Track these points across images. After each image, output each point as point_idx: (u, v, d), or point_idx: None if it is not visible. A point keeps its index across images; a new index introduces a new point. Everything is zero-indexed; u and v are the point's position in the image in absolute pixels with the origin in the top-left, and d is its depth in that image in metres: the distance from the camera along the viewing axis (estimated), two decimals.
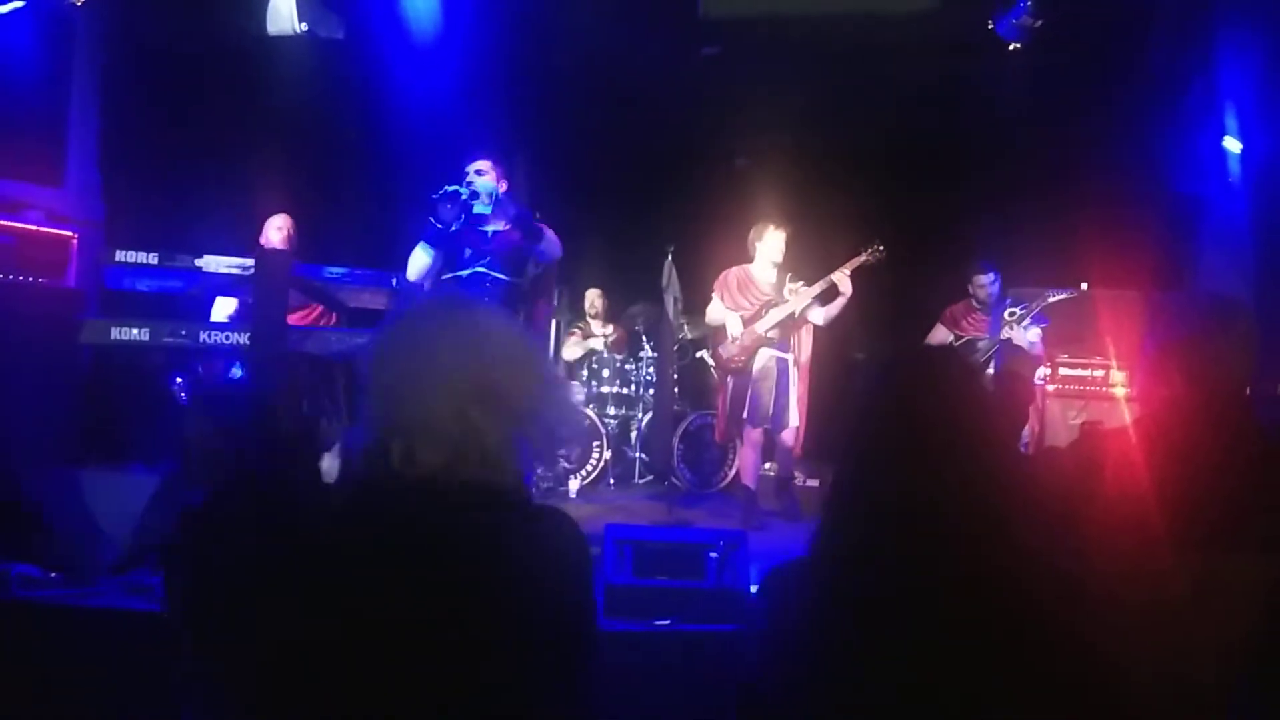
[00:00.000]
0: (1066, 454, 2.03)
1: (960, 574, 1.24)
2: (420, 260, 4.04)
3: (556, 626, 1.31)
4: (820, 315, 5.41)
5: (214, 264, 3.76)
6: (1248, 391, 1.96)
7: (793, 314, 5.35)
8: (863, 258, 5.38)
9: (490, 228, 4.15)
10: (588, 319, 7.15)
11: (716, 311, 5.50)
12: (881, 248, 5.39)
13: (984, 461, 1.28)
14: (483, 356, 1.34)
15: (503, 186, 4.17)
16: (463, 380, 1.31)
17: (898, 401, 1.33)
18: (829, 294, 5.37)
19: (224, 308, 4.68)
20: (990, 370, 5.54)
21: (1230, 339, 1.86)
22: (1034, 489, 1.94)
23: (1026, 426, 5.21)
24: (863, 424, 1.35)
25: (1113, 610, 1.76)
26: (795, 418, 5.39)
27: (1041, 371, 5.52)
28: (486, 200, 4.04)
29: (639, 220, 6.53)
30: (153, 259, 3.73)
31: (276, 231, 4.77)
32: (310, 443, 1.94)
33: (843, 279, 5.28)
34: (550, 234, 4.19)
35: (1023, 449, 5.17)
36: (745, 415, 5.33)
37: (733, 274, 5.47)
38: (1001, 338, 5.52)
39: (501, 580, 1.28)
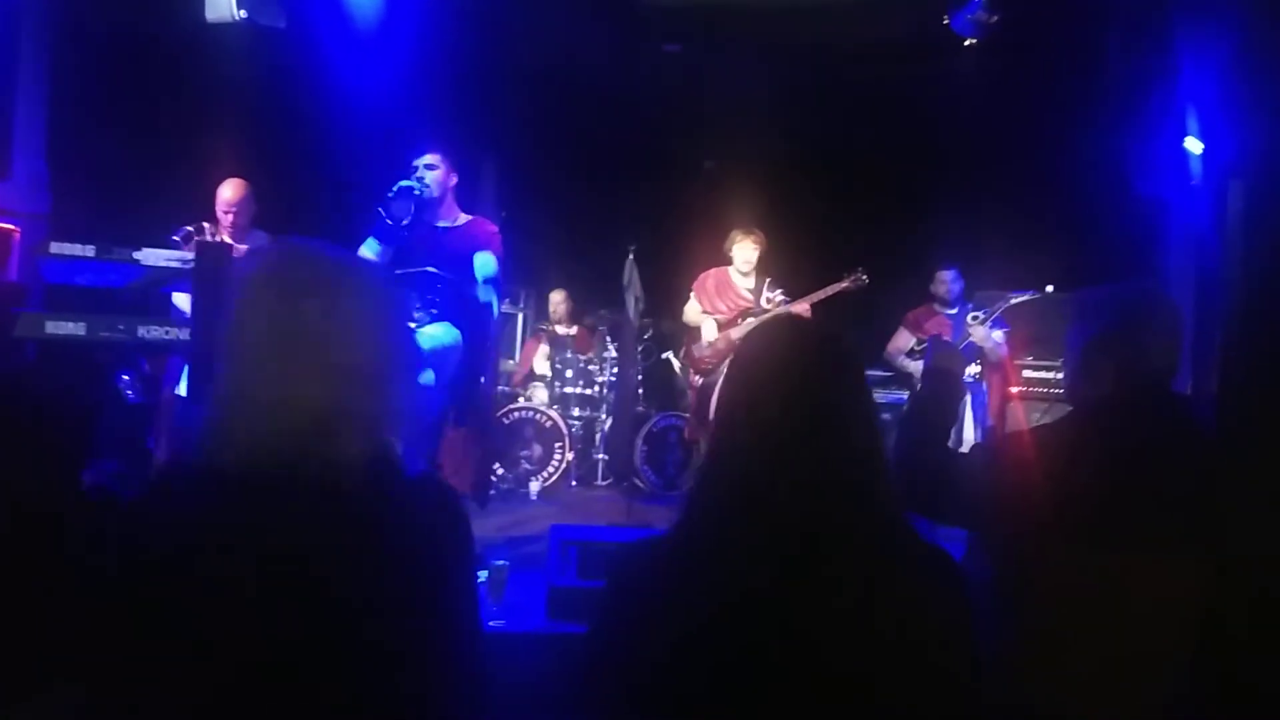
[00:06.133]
0: (1005, 449, 1.98)
1: (825, 558, 1.19)
2: (368, 255, 3.92)
3: (429, 601, 1.25)
4: None
5: (153, 257, 3.65)
6: (1185, 383, 1.92)
7: None
8: (844, 284, 5.40)
9: (441, 223, 4.07)
10: (550, 322, 7.11)
11: (693, 313, 5.50)
12: (864, 276, 5.39)
13: (861, 448, 1.24)
14: (345, 318, 1.27)
15: (453, 180, 4.10)
16: (324, 346, 1.25)
17: (772, 375, 1.29)
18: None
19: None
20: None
21: (1157, 330, 1.83)
22: (968, 482, 1.90)
23: (977, 427, 5.21)
24: (737, 395, 1.31)
25: (1046, 603, 1.73)
26: None
27: (973, 369, 5.51)
28: (436, 192, 3.98)
29: (601, 220, 6.49)
30: (89, 251, 3.61)
31: (225, 214, 4.58)
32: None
33: (805, 310, 5.28)
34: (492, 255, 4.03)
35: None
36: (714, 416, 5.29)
37: (711, 276, 5.46)
38: (963, 341, 5.50)
39: (369, 555, 1.22)
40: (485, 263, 3.98)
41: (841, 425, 1.25)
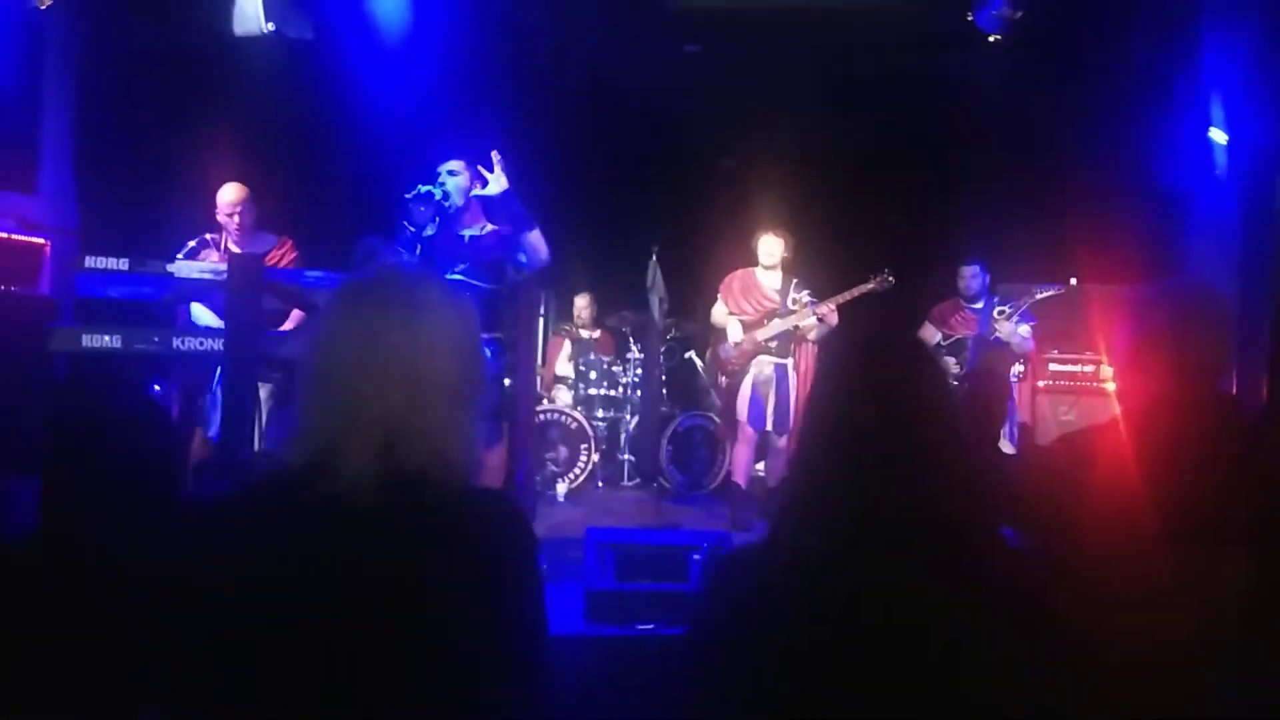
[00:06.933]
0: (1056, 450, 1.99)
1: (913, 564, 1.20)
2: None
3: (502, 615, 1.27)
4: (814, 333, 5.40)
5: (186, 269, 3.69)
6: (1231, 380, 1.92)
7: (795, 328, 5.35)
8: (870, 285, 5.42)
9: (467, 232, 4.07)
10: (574, 324, 7.11)
11: (719, 314, 5.51)
12: (891, 277, 5.41)
13: (946, 453, 1.24)
14: (425, 340, 1.29)
15: (476, 188, 4.10)
16: (406, 367, 1.27)
17: (859, 388, 1.30)
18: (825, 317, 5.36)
19: (206, 311, 4.58)
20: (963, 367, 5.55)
21: (1209, 327, 1.83)
22: (1018, 485, 1.91)
23: (1007, 423, 5.20)
24: (823, 409, 1.31)
25: (1101, 603, 1.74)
26: (794, 422, 5.39)
27: (1017, 367, 5.50)
28: (459, 200, 3.99)
29: (623, 221, 6.50)
30: (123, 265, 3.65)
31: (229, 218, 4.57)
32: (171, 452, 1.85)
33: (830, 316, 5.27)
34: (537, 237, 4.02)
35: (1010, 443, 5.16)
36: (746, 417, 5.31)
37: (737, 277, 5.47)
38: (991, 336, 5.49)
39: (446, 569, 1.24)
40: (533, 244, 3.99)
41: (915, 435, 1.25)
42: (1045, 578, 1.30)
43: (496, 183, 3.97)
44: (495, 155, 3.99)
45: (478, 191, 4.02)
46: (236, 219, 4.58)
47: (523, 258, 4.02)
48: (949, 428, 1.27)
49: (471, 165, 4.07)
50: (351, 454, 1.23)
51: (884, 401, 1.27)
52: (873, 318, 5.37)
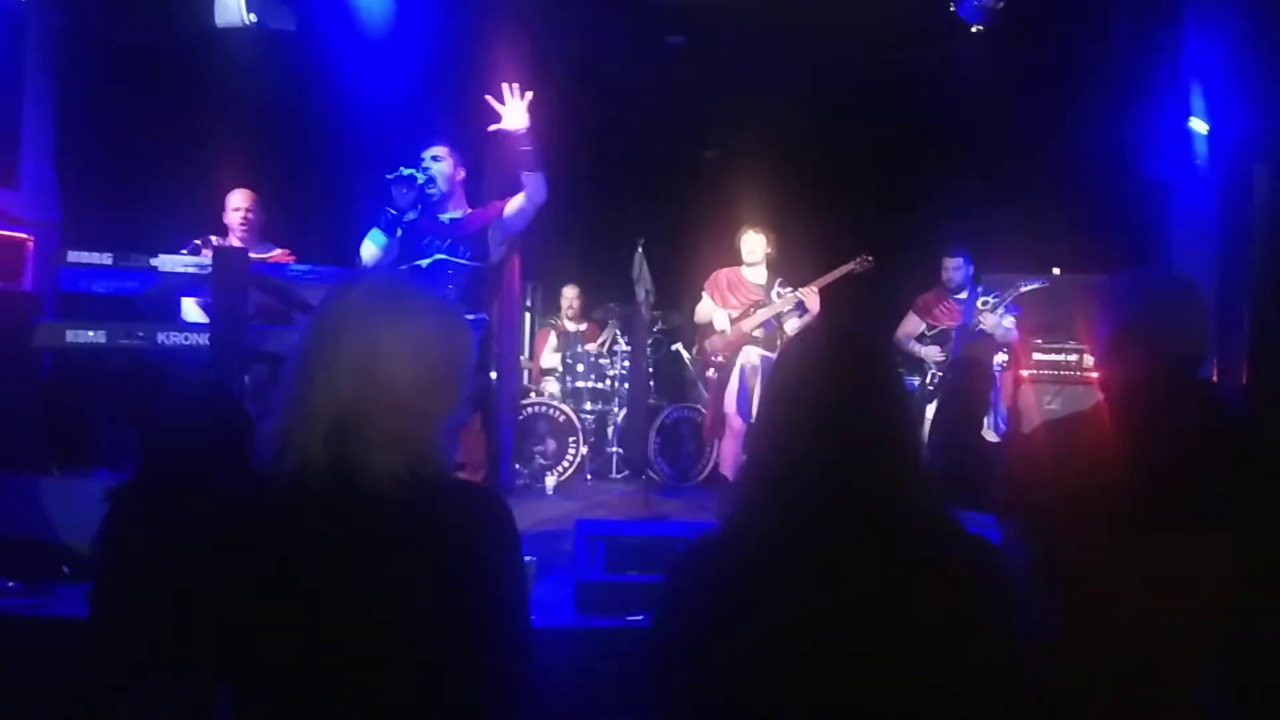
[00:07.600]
0: (1038, 437, 2.00)
1: (865, 548, 1.23)
2: (372, 247, 3.92)
3: (488, 607, 1.29)
4: (794, 325, 5.42)
5: (170, 263, 3.67)
6: (1210, 368, 1.94)
7: (776, 316, 5.37)
8: (850, 266, 5.47)
9: (448, 215, 4.05)
10: (561, 317, 7.11)
11: (705, 309, 5.53)
12: (870, 258, 5.47)
13: (896, 432, 1.27)
14: (416, 346, 1.31)
15: (460, 174, 4.08)
16: (393, 368, 1.29)
17: (808, 376, 1.32)
18: (805, 305, 5.38)
19: (194, 308, 4.57)
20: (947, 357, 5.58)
21: (1187, 316, 1.84)
22: (1000, 472, 1.92)
23: (990, 412, 5.23)
24: (777, 396, 1.33)
25: (1081, 589, 1.76)
26: None
27: (1000, 357, 5.54)
28: (444, 186, 3.96)
29: (609, 213, 6.50)
30: (107, 259, 3.62)
31: (235, 213, 4.63)
32: (242, 428, 1.88)
33: (811, 298, 5.29)
34: (540, 179, 3.94)
35: (994, 432, 5.19)
36: (734, 408, 5.32)
37: (723, 275, 5.50)
38: (974, 327, 5.51)
39: (430, 565, 1.26)
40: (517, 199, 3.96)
41: (873, 419, 1.28)
42: (1003, 562, 1.33)
43: (516, 117, 3.87)
44: (511, 87, 3.88)
45: (494, 127, 3.94)
46: (241, 217, 4.62)
47: (520, 200, 3.95)
48: (900, 408, 1.30)
49: (455, 151, 4.04)
50: (303, 444, 1.26)
51: (838, 380, 1.30)
52: (855, 306, 5.40)
